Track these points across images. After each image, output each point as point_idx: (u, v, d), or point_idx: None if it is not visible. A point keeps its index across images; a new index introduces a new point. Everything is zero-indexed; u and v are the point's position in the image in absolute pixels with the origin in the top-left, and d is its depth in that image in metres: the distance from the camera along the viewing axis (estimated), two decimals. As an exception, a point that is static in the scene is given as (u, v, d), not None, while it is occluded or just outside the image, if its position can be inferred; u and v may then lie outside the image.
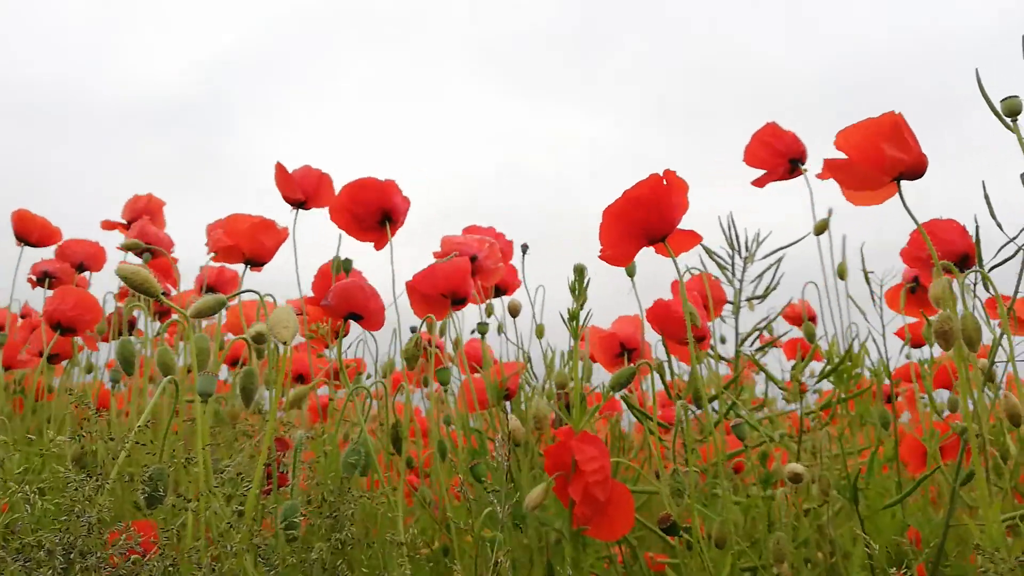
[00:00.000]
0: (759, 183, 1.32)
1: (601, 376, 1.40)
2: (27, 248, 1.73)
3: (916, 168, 0.90)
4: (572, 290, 1.04)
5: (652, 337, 1.32)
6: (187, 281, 1.69)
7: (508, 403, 1.36)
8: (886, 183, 0.91)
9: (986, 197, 0.91)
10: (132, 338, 1.01)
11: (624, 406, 1.34)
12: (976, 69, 0.90)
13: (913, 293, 1.31)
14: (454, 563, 1.00)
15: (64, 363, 1.63)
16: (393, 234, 1.27)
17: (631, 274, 1.26)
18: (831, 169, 0.93)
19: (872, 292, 1.35)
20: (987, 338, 0.99)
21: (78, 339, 1.59)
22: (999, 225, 0.92)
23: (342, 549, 0.89)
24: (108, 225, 1.79)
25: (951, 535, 1.02)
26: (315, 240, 1.38)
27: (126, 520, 0.80)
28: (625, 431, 1.62)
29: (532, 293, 1.52)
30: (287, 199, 1.41)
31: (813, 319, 1.48)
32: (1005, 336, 0.93)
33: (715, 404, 1.27)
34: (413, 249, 1.45)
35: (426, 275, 1.22)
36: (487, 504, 0.97)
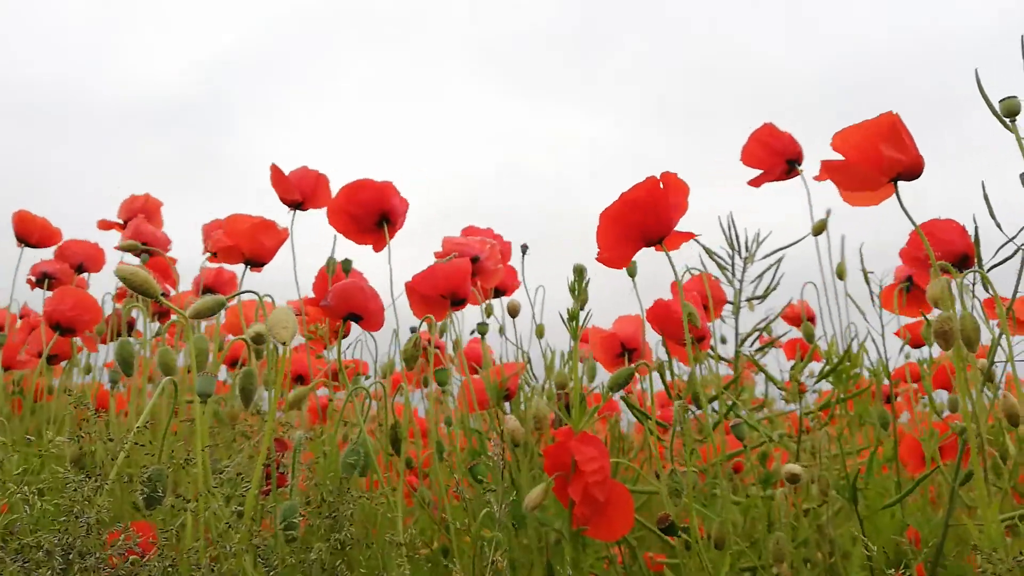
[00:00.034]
0: (756, 183, 1.32)
1: (605, 376, 1.40)
2: (27, 249, 1.74)
3: (913, 169, 0.90)
4: (572, 290, 1.04)
5: (654, 337, 1.32)
6: (188, 281, 1.69)
7: (508, 403, 1.36)
8: (883, 184, 0.91)
9: (985, 197, 0.91)
10: (131, 339, 1.01)
11: (624, 406, 1.34)
12: (976, 70, 0.90)
13: (907, 293, 1.32)
14: (453, 563, 1.00)
15: (63, 364, 1.62)
16: (392, 236, 1.27)
17: (632, 274, 1.26)
18: (828, 170, 0.93)
19: (871, 292, 1.35)
20: (986, 338, 1.00)
21: (77, 340, 1.59)
22: (998, 225, 0.92)
23: (341, 549, 0.89)
24: (105, 225, 1.79)
25: (951, 535, 1.02)
26: (313, 241, 1.38)
27: (125, 521, 0.80)
28: (625, 431, 1.62)
29: (532, 293, 1.52)
30: (283, 200, 1.41)
31: (812, 319, 1.48)
32: (1004, 336, 0.93)
33: (715, 405, 1.27)
34: (413, 250, 1.45)
35: (426, 276, 1.22)
36: (486, 504, 0.97)
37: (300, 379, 1.55)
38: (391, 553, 0.94)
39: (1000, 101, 0.89)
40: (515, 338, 1.52)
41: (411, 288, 1.22)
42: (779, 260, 1.34)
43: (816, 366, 1.62)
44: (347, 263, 1.31)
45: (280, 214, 1.42)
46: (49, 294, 1.47)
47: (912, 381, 1.72)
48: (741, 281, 1.35)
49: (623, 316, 1.32)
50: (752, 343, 1.36)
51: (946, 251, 1.14)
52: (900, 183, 0.91)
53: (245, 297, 1.25)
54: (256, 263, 1.37)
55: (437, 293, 1.22)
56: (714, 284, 1.33)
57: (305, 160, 1.45)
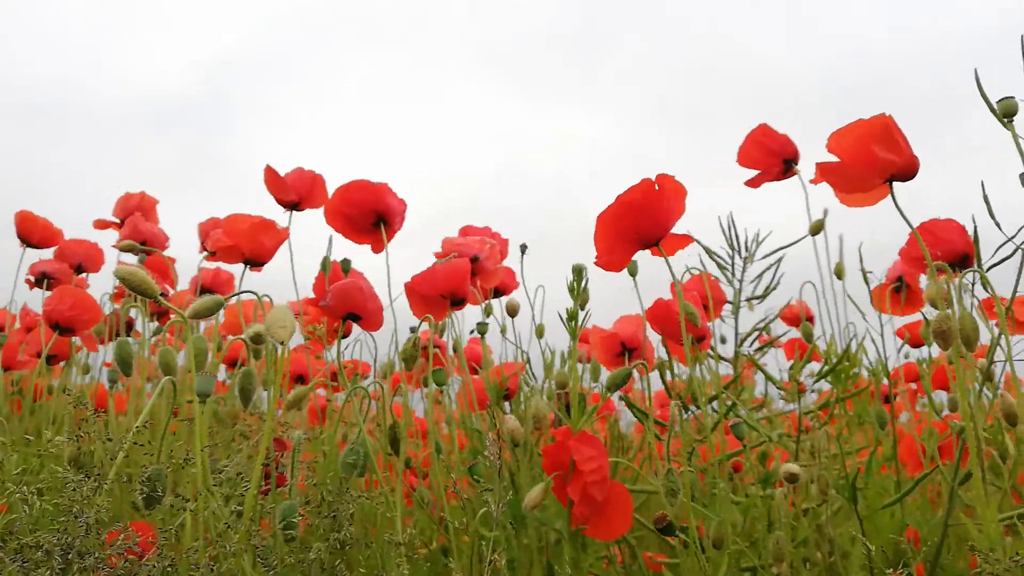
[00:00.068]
0: (753, 183, 1.33)
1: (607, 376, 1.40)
2: (28, 249, 1.74)
3: (908, 170, 0.90)
4: (571, 290, 1.04)
5: (657, 337, 1.32)
6: (186, 280, 1.69)
7: (508, 403, 1.36)
8: (878, 185, 0.92)
9: (985, 197, 0.91)
10: (129, 339, 1.01)
11: (625, 405, 1.34)
12: (975, 70, 0.90)
13: (898, 293, 1.32)
14: (452, 563, 1.00)
15: (62, 364, 1.63)
16: (391, 237, 1.27)
17: (633, 274, 1.26)
18: (823, 172, 0.94)
19: (870, 292, 1.36)
20: (986, 338, 1.00)
21: (76, 340, 1.59)
22: (998, 225, 0.92)
23: (341, 549, 0.89)
24: (101, 224, 1.79)
25: (951, 535, 1.02)
26: (311, 241, 1.38)
27: (124, 520, 0.80)
28: (624, 431, 1.62)
29: (532, 293, 1.52)
30: (279, 201, 1.41)
31: (810, 319, 1.48)
32: (1004, 336, 0.93)
33: (715, 404, 1.27)
34: (413, 250, 1.45)
35: (425, 276, 1.22)
36: (484, 504, 0.97)
37: (300, 379, 1.55)
38: (390, 553, 0.94)
39: (998, 101, 0.89)
40: (515, 338, 1.52)
41: (411, 288, 1.22)
42: (779, 260, 1.34)
43: (816, 366, 1.62)
44: (346, 263, 1.31)
45: (280, 214, 1.43)
46: (48, 294, 1.47)
47: (910, 381, 1.72)
48: (741, 281, 1.35)
49: (624, 316, 1.32)
50: (752, 343, 1.36)
51: (946, 250, 1.14)
52: (897, 184, 0.92)
53: (244, 297, 1.25)
54: (256, 263, 1.37)
55: (437, 293, 1.22)
56: (714, 284, 1.33)
57: (305, 160, 1.45)
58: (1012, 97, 0.88)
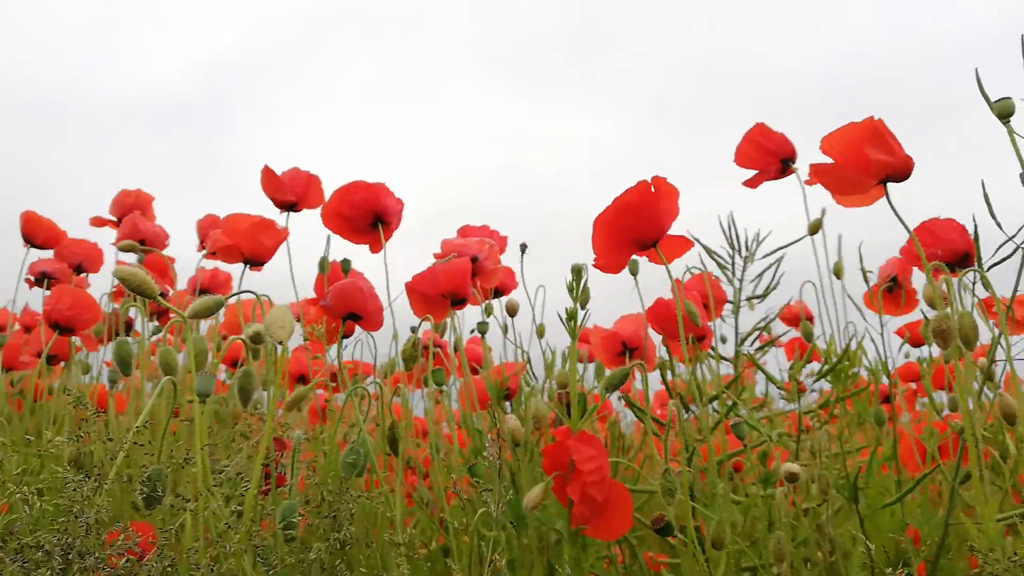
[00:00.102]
0: (751, 183, 1.33)
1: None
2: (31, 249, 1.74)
3: (902, 170, 0.91)
4: (570, 290, 1.04)
5: (658, 337, 1.32)
6: (185, 280, 1.69)
7: (509, 403, 1.36)
8: (872, 186, 0.92)
9: (985, 196, 0.91)
10: (129, 339, 1.01)
11: (625, 405, 1.34)
12: (976, 69, 0.90)
13: (890, 292, 1.32)
14: (452, 563, 1.00)
15: (62, 364, 1.63)
16: (388, 237, 1.27)
17: (634, 273, 1.27)
18: (818, 174, 0.95)
19: (871, 291, 1.36)
20: (987, 337, 1.00)
21: (76, 340, 1.59)
22: (998, 224, 0.92)
23: (341, 549, 0.89)
24: (98, 222, 1.78)
25: (952, 534, 1.02)
26: (309, 242, 1.38)
27: (124, 521, 0.80)
28: (624, 431, 1.62)
29: (532, 293, 1.52)
30: (276, 202, 1.41)
31: (810, 319, 1.48)
32: (1003, 336, 0.93)
33: (715, 404, 1.27)
34: (413, 250, 1.45)
35: (426, 275, 1.22)
36: (484, 504, 0.97)
37: (302, 379, 1.55)
38: (390, 553, 0.94)
39: (995, 102, 0.89)
40: (515, 338, 1.52)
41: (411, 288, 1.22)
42: (779, 260, 1.34)
43: (816, 366, 1.62)
44: (346, 263, 1.31)
45: (278, 215, 1.43)
46: (48, 294, 1.47)
47: (910, 381, 1.72)
48: (741, 280, 1.35)
49: (625, 315, 1.32)
50: (752, 342, 1.36)
51: (946, 250, 1.14)
52: (895, 184, 0.92)
53: (244, 297, 1.25)
54: (255, 263, 1.37)
55: (437, 292, 1.22)
56: (714, 283, 1.33)
57: (305, 160, 1.45)
58: (1009, 98, 0.88)
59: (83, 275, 1.76)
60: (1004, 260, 0.94)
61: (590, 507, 0.95)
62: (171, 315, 1.45)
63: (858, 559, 1.05)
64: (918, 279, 1.38)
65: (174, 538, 0.79)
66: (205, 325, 1.59)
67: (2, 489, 0.79)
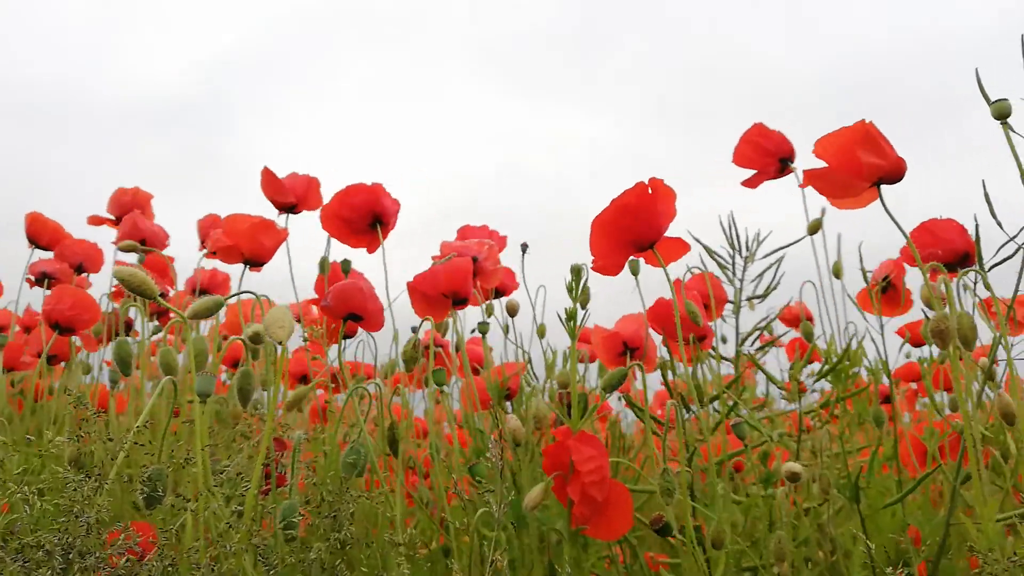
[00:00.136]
0: (750, 183, 1.33)
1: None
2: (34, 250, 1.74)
3: (894, 173, 0.92)
4: (569, 290, 1.05)
5: (659, 337, 1.32)
6: (184, 281, 1.69)
7: (510, 403, 1.36)
8: (866, 188, 0.93)
9: (986, 196, 0.91)
10: (128, 339, 1.01)
11: (626, 405, 1.34)
12: (976, 69, 0.90)
13: (884, 293, 1.33)
14: (453, 563, 0.99)
15: (63, 364, 1.63)
16: (385, 237, 1.28)
17: (635, 272, 1.27)
18: (811, 178, 0.95)
19: (870, 291, 1.36)
20: (989, 337, 1.00)
21: (77, 340, 1.59)
22: (999, 224, 0.92)
23: (341, 549, 0.89)
24: (96, 220, 1.78)
25: (952, 534, 1.02)
26: (308, 244, 1.38)
27: (125, 520, 0.80)
28: (625, 431, 1.62)
29: (533, 293, 1.52)
30: (277, 204, 1.41)
31: (809, 320, 1.48)
32: (1003, 336, 0.93)
33: (716, 404, 1.26)
34: (413, 250, 1.45)
35: (428, 275, 1.22)
36: (486, 504, 0.97)
37: (304, 379, 1.55)
38: (390, 553, 0.94)
39: (992, 103, 0.90)
40: (515, 338, 1.52)
41: (413, 287, 1.22)
42: (779, 259, 1.34)
43: (817, 366, 1.62)
44: (346, 263, 1.31)
45: (277, 216, 1.43)
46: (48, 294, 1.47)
47: (911, 381, 1.72)
48: (741, 280, 1.35)
49: (626, 315, 1.32)
50: (753, 342, 1.36)
51: (946, 250, 1.14)
52: (893, 185, 0.92)
53: (243, 297, 1.25)
54: (255, 263, 1.37)
55: (439, 292, 1.22)
56: (715, 283, 1.33)
57: (305, 160, 1.46)
58: (1005, 99, 0.89)
59: (84, 275, 1.76)
60: (1005, 260, 0.94)
61: (590, 507, 0.95)
62: (171, 315, 1.45)
63: (859, 559, 1.05)
64: (919, 279, 1.38)
65: (175, 538, 0.79)
66: (206, 325, 1.59)
67: (3, 489, 0.79)
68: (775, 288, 1.34)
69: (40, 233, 1.74)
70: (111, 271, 1.70)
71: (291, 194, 1.40)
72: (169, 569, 0.76)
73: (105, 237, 1.82)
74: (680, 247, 1.03)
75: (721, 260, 1.34)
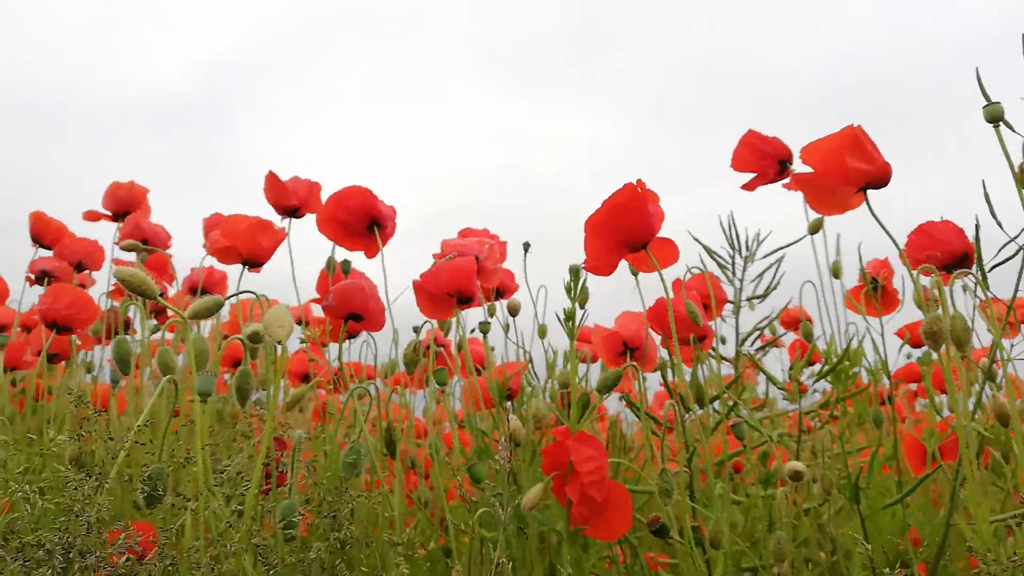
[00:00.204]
0: (749, 187, 1.33)
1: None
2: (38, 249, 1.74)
3: (881, 178, 0.92)
4: (568, 290, 1.05)
5: (659, 337, 1.31)
6: (182, 281, 1.69)
7: (511, 403, 1.36)
8: (852, 193, 0.94)
9: (986, 196, 0.91)
10: (128, 337, 1.01)
11: (625, 405, 1.34)
12: (976, 69, 0.90)
13: (869, 295, 1.33)
14: (453, 563, 1.00)
15: (63, 363, 1.63)
16: (384, 243, 1.28)
17: (635, 273, 1.27)
18: (799, 183, 0.96)
19: (869, 291, 1.36)
20: (990, 339, 0.99)
21: (77, 338, 1.59)
22: (999, 224, 0.93)
23: (341, 549, 0.89)
24: (92, 216, 1.78)
25: (952, 534, 1.02)
26: (310, 247, 1.38)
27: (125, 520, 0.80)
28: (626, 432, 1.62)
29: (533, 293, 1.52)
30: (279, 207, 1.41)
31: (809, 320, 1.49)
32: (1005, 337, 0.93)
33: (716, 404, 1.26)
34: (413, 250, 1.45)
35: (432, 273, 1.22)
36: (486, 504, 0.97)
37: (306, 379, 1.55)
38: (389, 552, 0.94)
39: (984, 107, 0.90)
40: (516, 338, 1.52)
41: (419, 286, 1.22)
42: (779, 260, 1.34)
43: (818, 367, 1.62)
44: (346, 264, 1.31)
45: (279, 220, 1.43)
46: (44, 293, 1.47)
47: (911, 382, 1.72)
48: (741, 280, 1.35)
49: (625, 312, 1.32)
50: (753, 342, 1.36)
51: (945, 251, 1.14)
52: (897, 185, 0.93)
53: (243, 297, 1.26)
54: (254, 264, 1.37)
55: (443, 291, 1.22)
56: (715, 283, 1.33)
57: (305, 160, 1.46)
58: (998, 102, 0.90)
59: (86, 272, 1.76)
60: (1006, 261, 0.94)
61: (589, 507, 0.95)
62: (170, 314, 1.45)
63: (860, 559, 1.05)
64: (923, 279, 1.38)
65: (175, 537, 0.79)
66: (207, 325, 1.59)
67: (4, 488, 0.79)
68: (775, 288, 1.34)
69: (44, 232, 1.74)
70: (110, 269, 1.71)
71: (294, 197, 1.40)
72: (169, 569, 0.76)
73: (105, 235, 1.82)
74: (672, 249, 1.04)
75: (721, 260, 1.34)
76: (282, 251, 1.39)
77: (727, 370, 1.39)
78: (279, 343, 0.83)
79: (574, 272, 1.07)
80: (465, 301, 1.24)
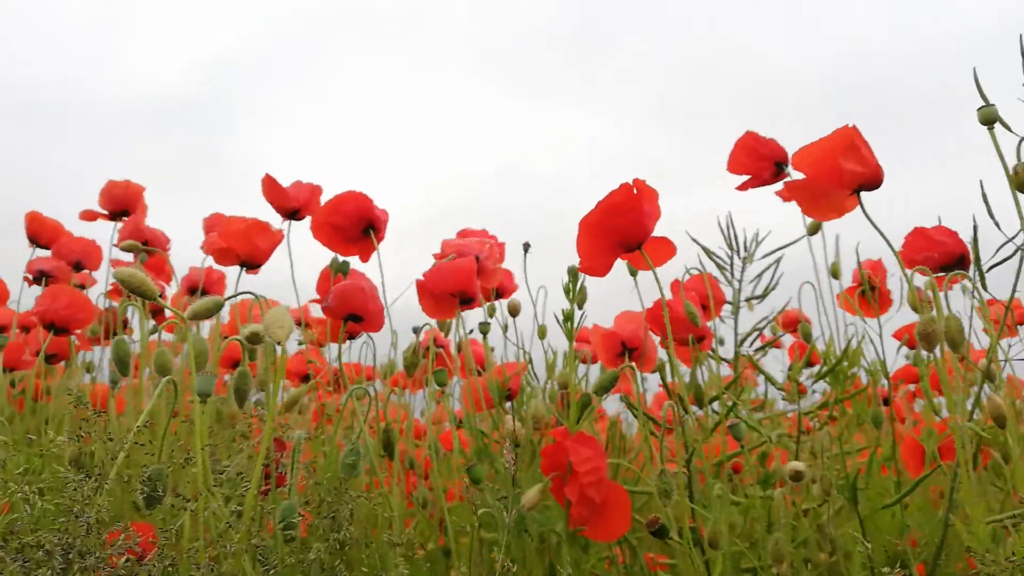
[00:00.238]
0: (744, 188, 1.33)
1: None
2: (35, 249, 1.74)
3: (874, 180, 0.92)
4: (566, 291, 1.05)
5: (658, 337, 1.31)
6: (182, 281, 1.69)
7: (511, 404, 1.36)
8: (846, 196, 0.93)
9: (984, 197, 0.92)
10: (126, 337, 1.01)
11: (625, 406, 1.34)
12: (974, 69, 0.90)
13: (864, 295, 1.33)
14: (454, 564, 1.00)
15: (63, 363, 1.63)
16: (379, 242, 1.28)
17: (633, 273, 1.27)
18: (791, 190, 0.96)
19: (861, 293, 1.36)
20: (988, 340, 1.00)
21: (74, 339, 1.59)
22: (997, 224, 0.93)
23: (341, 549, 0.89)
24: (89, 216, 1.78)
25: (951, 535, 1.02)
26: (311, 249, 1.38)
27: (125, 520, 0.80)
28: (626, 433, 1.62)
29: (533, 293, 1.52)
30: (280, 209, 1.41)
31: (807, 321, 1.49)
32: (1003, 337, 0.94)
33: (715, 405, 1.27)
34: (414, 250, 1.45)
35: (434, 273, 1.22)
36: (487, 505, 0.97)
37: (307, 379, 1.55)
38: (389, 553, 0.94)
39: (978, 109, 0.90)
40: (516, 338, 1.52)
41: (422, 286, 1.22)
42: (778, 260, 1.34)
43: (817, 367, 1.62)
44: (344, 265, 1.31)
45: (279, 223, 1.43)
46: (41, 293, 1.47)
47: (912, 382, 1.72)
48: (740, 281, 1.35)
49: (624, 312, 1.32)
50: (752, 343, 1.36)
51: (942, 253, 1.14)
52: (877, 192, 0.93)
53: (241, 299, 1.26)
54: (251, 265, 1.37)
55: (446, 291, 1.22)
56: (714, 283, 1.33)
57: (305, 160, 1.46)
58: (992, 105, 0.90)
59: (85, 272, 1.75)
60: (1003, 262, 0.95)
61: (588, 508, 0.95)
62: (168, 314, 1.45)
63: (859, 559, 1.05)
64: (916, 280, 1.38)
65: (174, 538, 0.79)
66: (207, 326, 1.59)
67: (4, 488, 0.79)
68: (773, 289, 1.34)
69: (40, 232, 1.73)
70: (107, 268, 1.71)
71: (293, 200, 1.41)
72: (169, 569, 0.76)
73: (103, 234, 1.82)
74: (668, 247, 1.04)
75: (719, 261, 1.34)
76: (282, 253, 1.39)
77: (727, 371, 1.39)
78: (279, 344, 0.83)
79: (572, 273, 1.07)
80: (467, 302, 1.24)
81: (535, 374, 1.40)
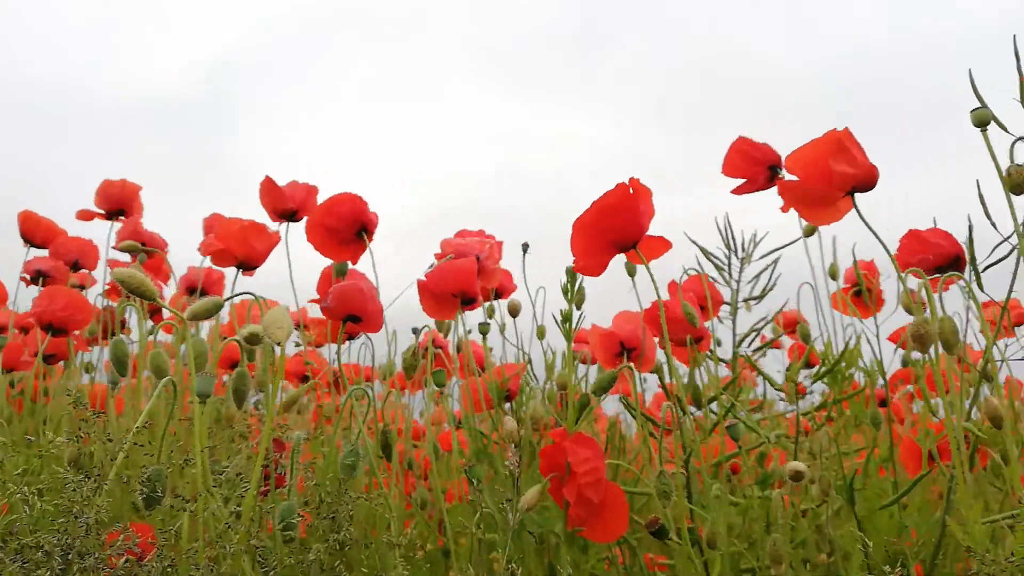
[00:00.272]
0: (739, 192, 1.33)
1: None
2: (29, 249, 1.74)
3: (867, 181, 0.92)
4: (564, 292, 1.05)
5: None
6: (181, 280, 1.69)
7: (510, 404, 1.36)
8: (839, 198, 0.93)
9: (980, 197, 0.92)
10: (124, 337, 1.01)
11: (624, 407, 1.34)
12: (970, 71, 0.91)
13: (858, 296, 1.34)
14: (454, 564, 1.00)
15: (61, 363, 1.63)
16: (369, 241, 1.28)
17: (631, 273, 1.27)
18: (785, 191, 0.96)
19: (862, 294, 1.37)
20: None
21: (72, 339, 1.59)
22: (994, 225, 0.93)
23: (340, 550, 0.89)
24: (85, 215, 1.77)
25: (949, 535, 1.02)
26: (309, 250, 1.38)
27: (124, 521, 0.81)
28: (625, 433, 1.62)
29: (533, 294, 1.52)
30: (277, 210, 1.42)
31: (804, 322, 1.49)
32: (1000, 338, 0.94)
33: (713, 406, 1.27)
34: (413, 250, 1.45)
35: (436, 273, 1.22)
36: (486, 506, 0.97)
37: (306, 380, 1.55)
38: (389, 554, 0.94)
39: (971, 111, 0.90)
40: (515, 339, 1.52)
41: (423, 286, 1.22)
42: (775, 261, 1.34)
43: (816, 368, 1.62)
44: (343, 266, 1.32)
45: (278, 225, 1.43)
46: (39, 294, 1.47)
47: (910, 383, 1.72)
48: (738, 282, 1.35)
49: (622, 312, 1.32)
50: (750, 343, 1.36)
51: (936, 254, 1.14)
52: (875, 192, 0.93)
53: (239, 300, 1.26)
54: (248, 266, 1.37)
55: (447, 291, 1.22)
56: (711, 284, 1.33)
57: (305, 160, 1.46)
58: (985, 107, 0.90)
59: (83, 271, 1.75)
60: (999, 261, 0.95)
61: (586, 508, 0.95)
62: (166, 315, 1.45)
63: (858, 560, 1.05)
64: (913, 282, 1.39)
65: (173, 539, 0.79)
66: (207, 326, 1.59)
67: (3, 489, 0.79)
68: (771, 289, 1.34)
69: (34, 231, 1.73)
70: (104, 268, 1.71)
71: (291, 201, 1.41)
72: (168, 570, 0.77)
73: (100, 234, 1.83)
74: (662, 245, 1.04)
75: (717, 261, 1.34)
76: (280, 254, 1.39)
77: (725, 372, 1.39)
78: (278, 344, 0.83)
79: (570, 274, 1.07)
80: (469, 302, 1.24)
81: (534, 375, 1.40)
